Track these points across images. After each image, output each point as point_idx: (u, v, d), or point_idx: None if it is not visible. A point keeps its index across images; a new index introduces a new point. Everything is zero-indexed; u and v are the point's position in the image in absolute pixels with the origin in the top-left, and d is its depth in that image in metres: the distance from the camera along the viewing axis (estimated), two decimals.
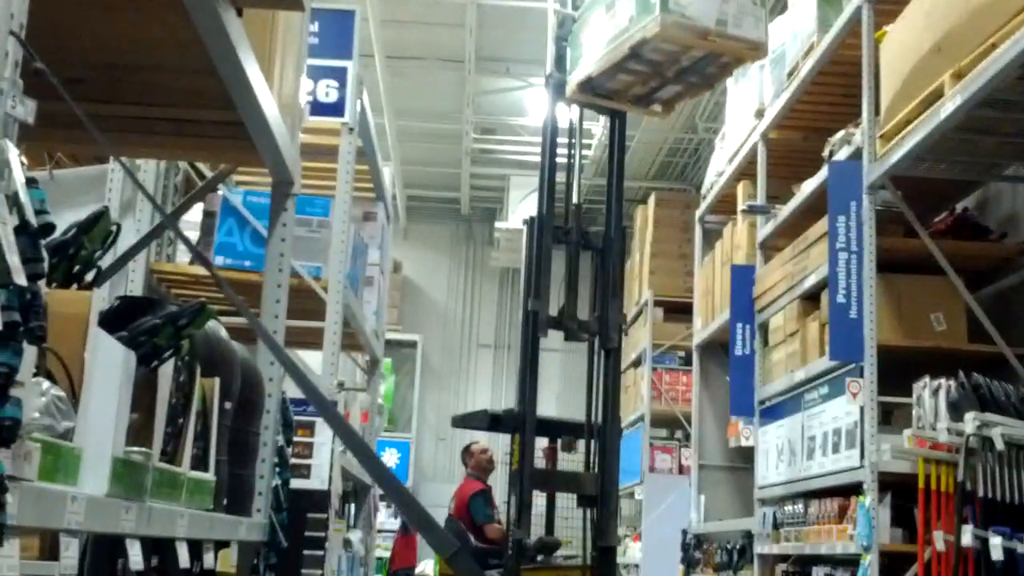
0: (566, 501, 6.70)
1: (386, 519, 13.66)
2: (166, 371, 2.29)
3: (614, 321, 6.30)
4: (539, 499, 6.45)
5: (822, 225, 6.29)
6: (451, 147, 14.24)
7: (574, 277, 6.51)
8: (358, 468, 6.35)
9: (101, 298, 3.22)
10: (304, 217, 5.28)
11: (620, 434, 6.36)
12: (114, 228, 2.35)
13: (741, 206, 8.28)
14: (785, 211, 7.35)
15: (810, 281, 6.56)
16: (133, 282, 5.09)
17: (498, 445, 8.66)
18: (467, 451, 9.16)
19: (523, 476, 6.10)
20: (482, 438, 9.24)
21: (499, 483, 8.38)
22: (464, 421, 7.21)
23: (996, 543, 4.44)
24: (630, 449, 11.75)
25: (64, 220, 2.32)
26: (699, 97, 6.05)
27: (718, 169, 9.11)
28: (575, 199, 6.62)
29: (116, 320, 2.35)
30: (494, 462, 8.96)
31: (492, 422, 6.75)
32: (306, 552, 4.69)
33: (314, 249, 5.39)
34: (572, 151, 6.66)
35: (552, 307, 6.41)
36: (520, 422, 6.25)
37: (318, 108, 5.64)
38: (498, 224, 14.75)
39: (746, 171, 8.30)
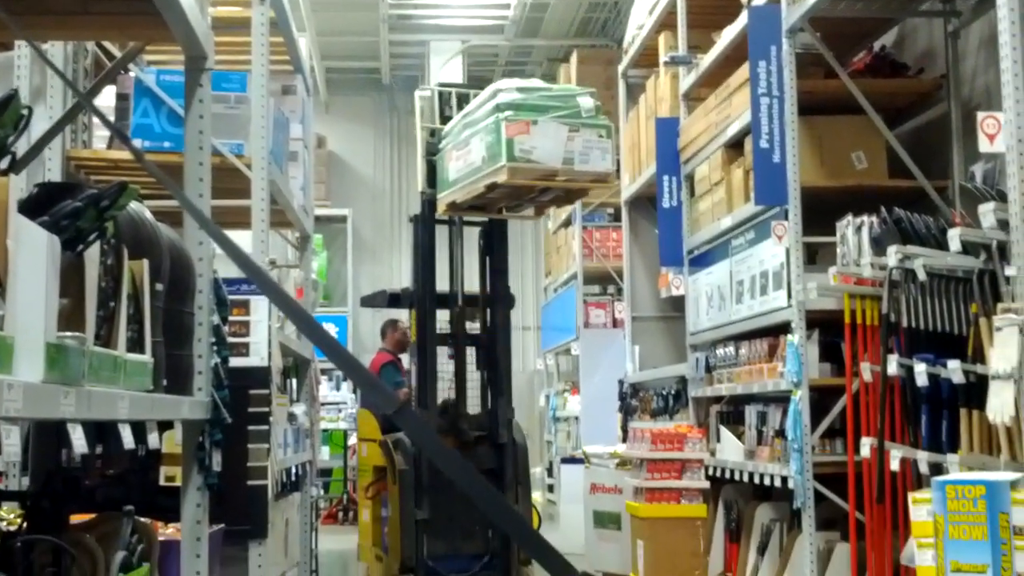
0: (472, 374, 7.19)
1: (329, 392, 13.79)
2: (92, 254, 2.27)
3: (503, 417, 6.62)
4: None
5: (743, 72, 6.31)
6: (367, 15, 13.91)
7: (462, 376, 6.90)
8: (297, 343, 6.38)
9: (19, 188, 3.16)
10: (221, 93, 5.15)
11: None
12: (25, 112, 2.29)
13: (663, 58, 8.25)
14: (706, 60, 7.35)
15: (733, 129, 6.61)
16: (51, 171, 4.98)
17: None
18: (392, 326, 9.59)
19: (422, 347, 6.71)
20: (403, 315, 9.51)
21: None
22: (368, 301, 7.82)
23: (921, 370, 4.61)
24: (565, 306, 11.92)
25: None
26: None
27: (639, 22, 9.04)
28: (459, 302, 7.01)
29: (37, 208, 2.31)
30: (408, 342, 9.41)
31: (391, 300, 7.42)
32: (251, 427, 4.71)
33: (234, 126, 5.28)
34: (452, 254, 7.06)
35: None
36: (417, 298, 6.79)
37: None
38: (420, 92, 14.54)
39: (666, 22, 8.25)
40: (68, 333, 2.10)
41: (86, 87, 5.17)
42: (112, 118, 5.28)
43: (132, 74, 5.27)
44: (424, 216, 6.98)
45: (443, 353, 7.19)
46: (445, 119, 6.92)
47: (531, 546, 1.92)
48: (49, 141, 4.08)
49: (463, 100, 6.84)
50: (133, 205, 2.79)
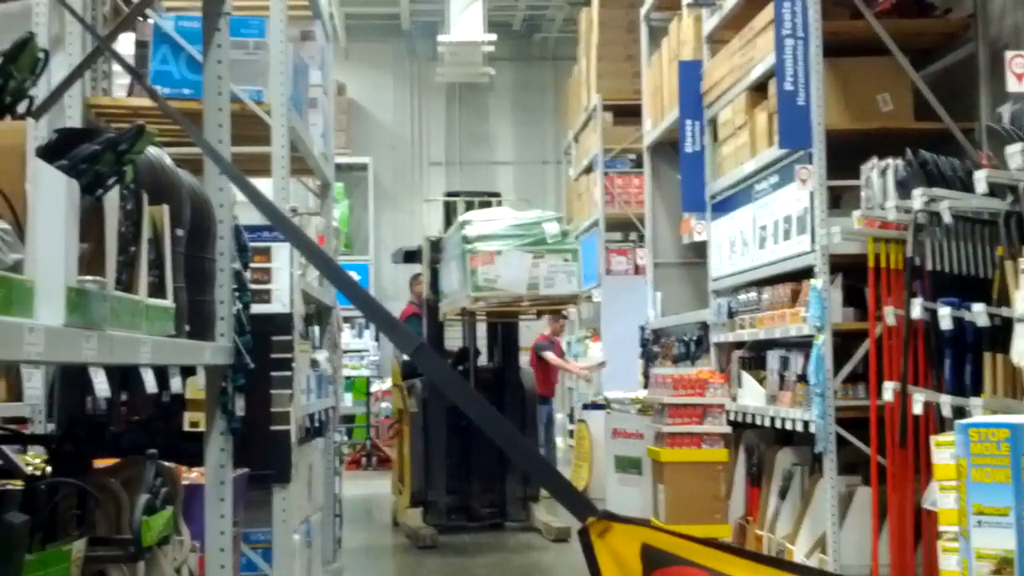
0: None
1: (351, 339, 13.86)
2: (112, 198, 2.26)
3: (511, 364, 7.72)
4: None
5: (768, 13, 6.22)
6: None
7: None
8: (319, 290, 6.40)
9: (40, 136, 3.15)
10: (240, 39, 5.12)
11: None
12: (42, 55, 2.28)
13: (686, 0, 8.15)
14: (730, 2, 7.25)
15: (757, 71, 6.53)
16: (71, 118, 4.97)
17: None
18: (414, 280, 10.21)
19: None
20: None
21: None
22: (393, 258, 8.82)
23: (945, 313, 4.57)
24: (587, 253, 11.89)
25: None
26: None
27: None
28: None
29: (56, 153, 2.31)
30: None
31: (407, 256, 8.37)
32: (274, 373, 4.74)
33: (253, 72, 5.25)
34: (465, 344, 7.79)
35: None
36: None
37: None
38: (441, 38, 14.43)
39: None
40: (89, 277, 2.10)
41: (104, 34, 5.15)
42: (133, 65, 5.26)
43: (151, 21, 5.25)
44: (429, 317, 7.89)
45: None
46: (450, 224, 7.69)
47: (551, 485, 1.92)
48: (68, 87, 4.08)
49: (471, 207, 7.49)
50: (152, 151, 2.79)
